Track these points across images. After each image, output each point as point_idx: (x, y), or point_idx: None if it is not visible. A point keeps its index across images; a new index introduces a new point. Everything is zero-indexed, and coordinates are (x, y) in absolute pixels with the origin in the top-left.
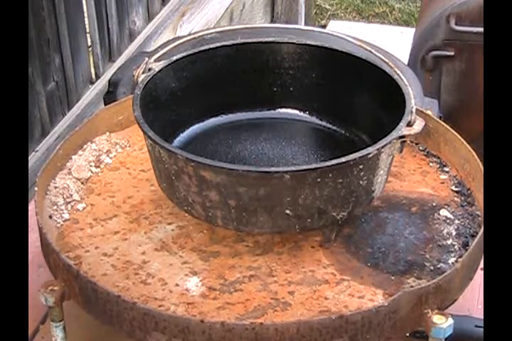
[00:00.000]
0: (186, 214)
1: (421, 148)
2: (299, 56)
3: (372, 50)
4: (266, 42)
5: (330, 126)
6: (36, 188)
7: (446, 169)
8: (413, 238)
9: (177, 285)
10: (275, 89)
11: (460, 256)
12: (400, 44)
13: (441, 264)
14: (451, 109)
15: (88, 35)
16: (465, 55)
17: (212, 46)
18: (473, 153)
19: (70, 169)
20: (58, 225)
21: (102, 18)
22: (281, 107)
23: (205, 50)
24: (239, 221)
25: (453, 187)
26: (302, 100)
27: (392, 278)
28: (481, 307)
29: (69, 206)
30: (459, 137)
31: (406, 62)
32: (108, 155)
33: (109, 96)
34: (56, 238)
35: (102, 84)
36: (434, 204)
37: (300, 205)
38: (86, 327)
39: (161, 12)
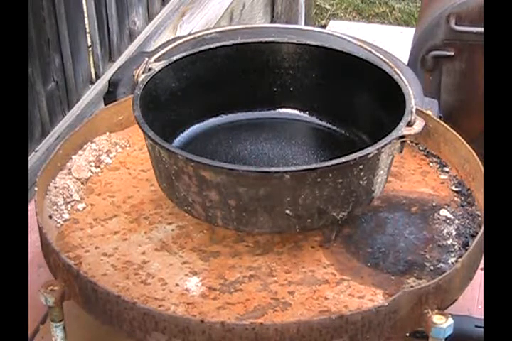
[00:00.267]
0: (186, 214)
1: (421, 148)
2: (299, 56)
3: (372, 50)
4: (266, 42)
5: (330, 126)
6: (36, 188)
7: (446, 169)
8: (413, 238)
9: (177, 285)
10: (275, 89)
11: (460, 256)
12: (400, 44)
13: (441, 264)
14: (451, 109)
15: (88, 35)
16: (465, 55)
17: (212, 46)
18: (473, 153)
19: (70, 169)
20: (58, 225)
21: (102, 18)
22: (281, 107)
23: (205, 50)
24: (239, 221)
25: (453, 187)
26: (302, 100)
27: (392, 278)
28: (481, 307)
29: (69, 206)
30: (459, 137)
31: (406, 62)
32: (108, 155)
33: (109, 96)
34: (56, 238)
35: (102, 84)
36: (434, 204)
37: (300, 205)
38: (86, 327)
39: (161, 12)
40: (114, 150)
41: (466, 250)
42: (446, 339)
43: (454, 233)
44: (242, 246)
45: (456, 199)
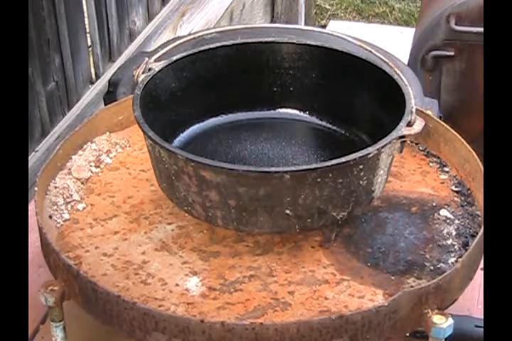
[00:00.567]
0: (186, 214)
1: (421, 148)
2: (299, 56)
3: (372, 50)
4: (266, 43)
5: (330, 126)
6: (36, 188)
7: (446, 169)
8: (413, 238)
9: (177, 285)
10: (275, 89)
11: (460, 256)
12: (400, 44)
13: (441, 264)
14: (451, 109)
15: (88, 35)
16: (465, 55)
17: (212, 46)
18: (473, 153)
19: (70, 169)
20: (58, 225)
21: (102, 18)
22: (281, 107)
23: (205, 50)
24: (239, 221)
25: (453, 187)
26: (302, 100)
27: (392, 278)
28: (481, 307)
29: (69, 206)
30: (459, 137)
31: (406, 62)
32: (108, 155)
33: (109, 96)
34: (56, 238)
35: (102, 84)
36: (434, 204)
37: (300, 205)
38: (86, 327)
39: (161, 12)
40: (114, 150)
41: (466, 250)
42: (446, 339)
43: (454, 233)
44: (242, 246)
45: (456, 199)
